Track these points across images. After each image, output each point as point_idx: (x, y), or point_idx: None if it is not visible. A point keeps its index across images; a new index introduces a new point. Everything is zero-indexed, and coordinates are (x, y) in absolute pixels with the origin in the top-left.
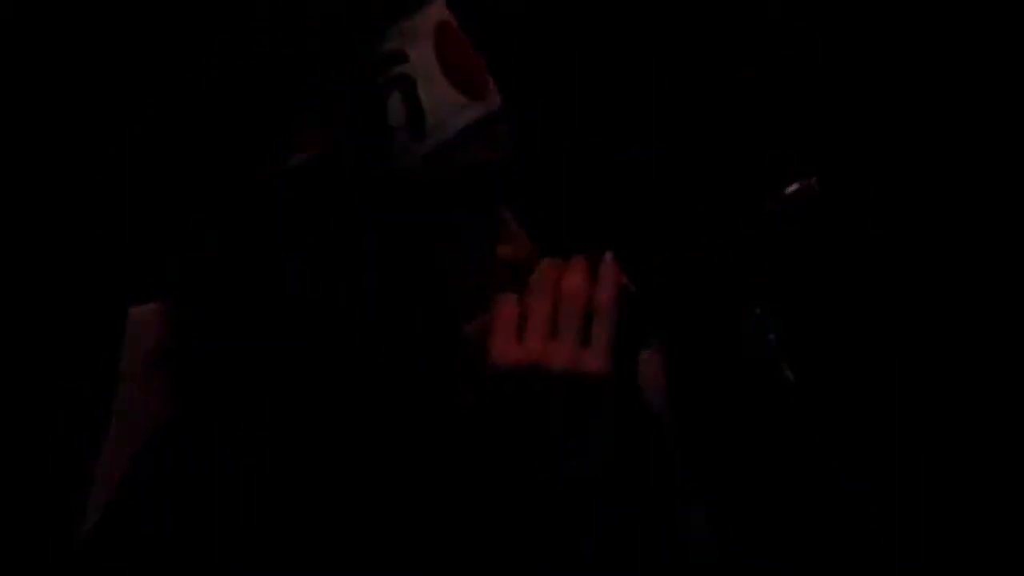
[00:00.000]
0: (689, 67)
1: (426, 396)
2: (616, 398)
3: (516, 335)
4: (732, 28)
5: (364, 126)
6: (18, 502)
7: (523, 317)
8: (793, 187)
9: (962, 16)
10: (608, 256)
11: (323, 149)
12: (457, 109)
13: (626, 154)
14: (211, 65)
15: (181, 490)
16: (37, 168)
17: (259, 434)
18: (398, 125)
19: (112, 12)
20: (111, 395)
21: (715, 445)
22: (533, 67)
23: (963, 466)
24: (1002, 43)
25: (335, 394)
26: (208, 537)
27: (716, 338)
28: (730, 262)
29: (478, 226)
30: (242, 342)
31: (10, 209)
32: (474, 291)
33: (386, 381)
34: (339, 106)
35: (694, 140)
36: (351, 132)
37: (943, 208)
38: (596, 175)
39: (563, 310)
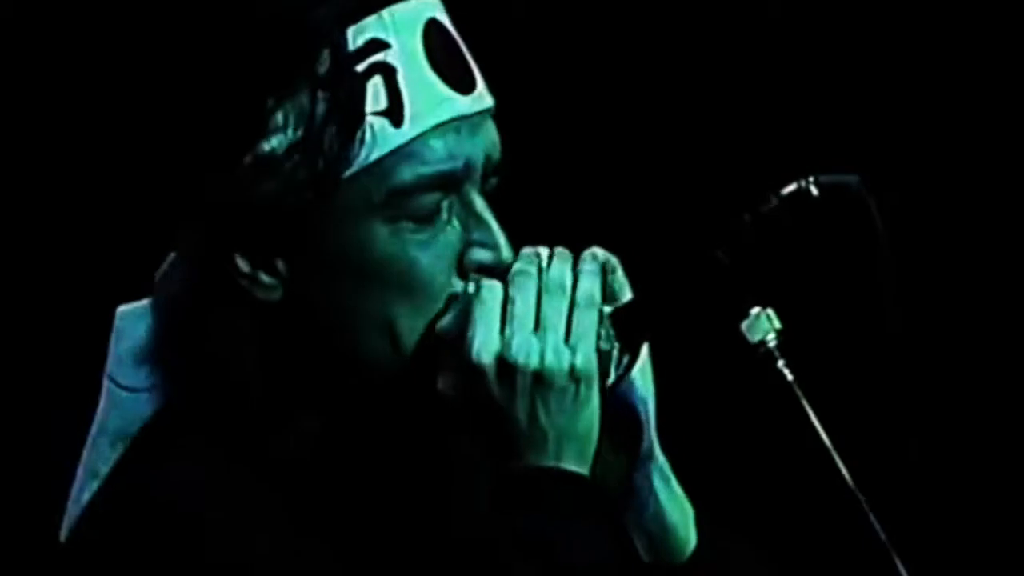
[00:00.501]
0: (689, 67)
1: (405, 390)
2: (602, 395)
3: (498, 326)
4: (732, 28)
5: (340, 110)
6: (14, 501)
7: (506, 308)
8: (791, 187)
9: (962, 15)
10: (594, 249)
11: (298, 134)
12: (440, 101)
13: (625, 154)
14: (193, 50)
15: (165, 491)
16: (35, 168)
17: (248, 431)
18: (377, 112)
19: (109, 12)
20: (98, 393)
21: (712, 444)
22: (531, 67)
23: (964, 465)
24: (1002, 43)
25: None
26: (190, 540)
27: (714, 338)
28: (729, 262)
29: (454, 226)
30: (233, 337)
31: (8, 210)
32: (449, 292)
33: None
34: (316, 90)
35: (693, 140)
36: (327, 116)
37: (942, 206)
38: (594, 175)
39: (547, 302)
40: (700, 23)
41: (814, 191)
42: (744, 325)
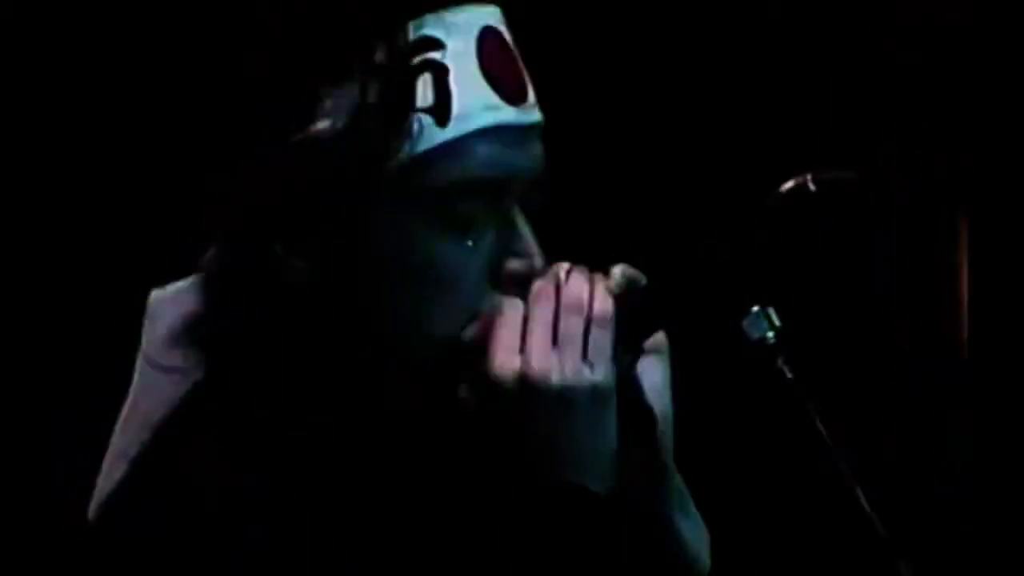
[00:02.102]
0: (687, 65)
1: (432, 394)
2: (618, 406)
3: (518, 343)
4: (732, 28)
5: (388, 102)
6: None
7: (526, 324)
8: (789, 184)
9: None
10: (616, 268)
11: (346, 121)
12: (487, 106)
13: (625, 155)
14: (247, 31)
15: (194, 473)
16: (48, 165)
17: (276, 421)
18: (423, 108)
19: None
20: (99, 392)
21: (714, 443)
22: (531, 66)
23: (962, 464)
24: (1002, 40)
25: (350, 381)
26: (216, 523)
27: (714, 336)
28: (727, 260)
29: (491, 233)
30: (263, 326)
31: (11, 212)
32: (480, 298)
33: (394, 377)
34: (368, 80)
35: (693, 138)
36: (375, 106)
37: (941, 204)
38: (596, 175)
39: (565, 319)
40: (701, 22)
41: (812, 188)
42: (744, 323)
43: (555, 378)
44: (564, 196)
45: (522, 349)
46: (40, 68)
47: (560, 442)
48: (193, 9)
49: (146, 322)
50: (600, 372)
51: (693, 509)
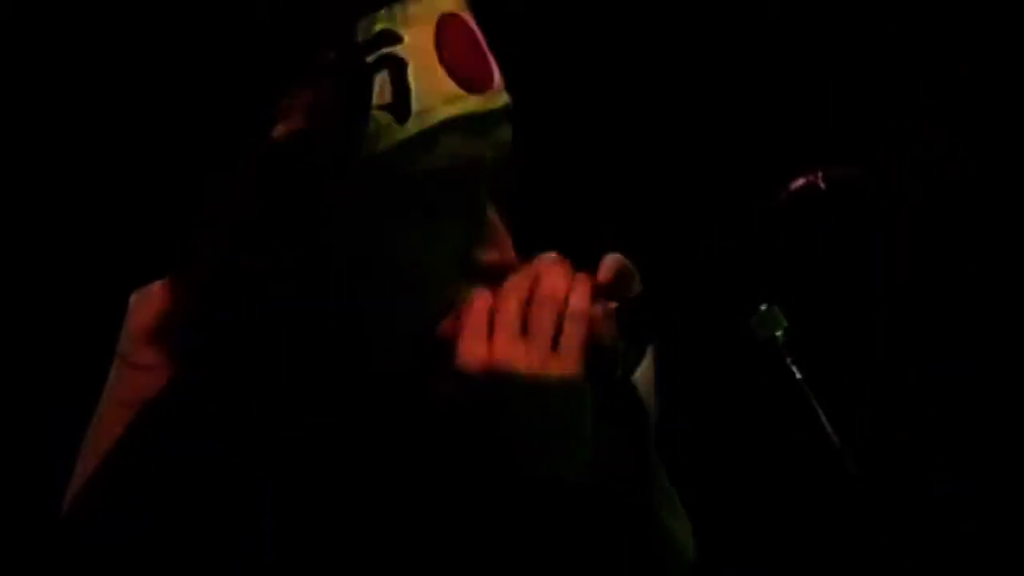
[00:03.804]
0: (692, 62)
1: (407, 389)
2: (593, 400)
3: (486, 333)
4: (732, 27)
5: (345, 102)
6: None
7: (495, 314)
8: (798, 182)
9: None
10: (607, 258)
11: (304, 123)
12: (448, 98)
13: (630, 150)
14: (200, 33)
15: (162, 473)
16: (37, 166)
17: (248, 419)
18: (382, 105)
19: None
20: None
21: (717, 443)
22: (531, 63)
23: (969, 463)
24: (1005, 36)
25: (325, 384)
26: (186, 521)
27: (722, 335)
28: (736, 258)
29: (459, 224)
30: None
31: (9, 213)
32: (451, 290)
33: (371, 374)
34: (324, 80)
35: (698, 136)
36: (332, 107)
37: (948, 201)
38: (600, 172)
39: (536, 310)
40: (702, 21)
41: (822, 185)
42: (752, 322)
43: (521, 367)
44: (565, 195)
45: (489, 338)
46: (31, 69)
47: (530, 433)
48: (140, 21)
49: (126, 320)
50: (569, 365)
51: (678, 505)
